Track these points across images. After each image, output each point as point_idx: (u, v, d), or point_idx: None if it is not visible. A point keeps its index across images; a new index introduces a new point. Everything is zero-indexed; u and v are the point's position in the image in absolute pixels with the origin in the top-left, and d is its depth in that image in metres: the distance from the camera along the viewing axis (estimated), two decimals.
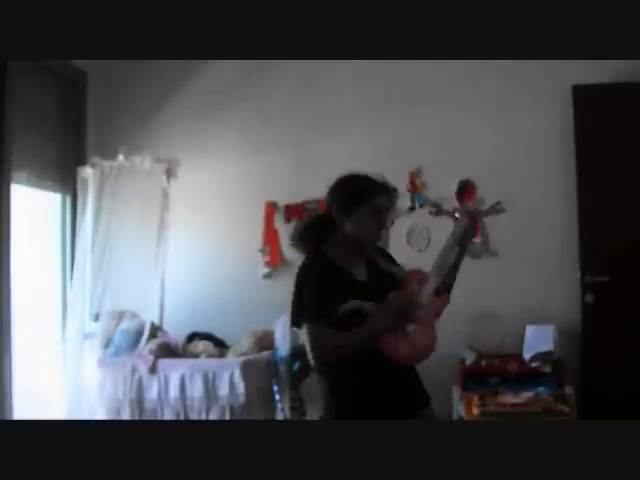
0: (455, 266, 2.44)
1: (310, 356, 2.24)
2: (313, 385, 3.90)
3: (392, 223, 2.50)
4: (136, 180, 4.16)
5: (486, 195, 4.23)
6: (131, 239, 4.18)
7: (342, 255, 2.36)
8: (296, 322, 2.33)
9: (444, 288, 2.40)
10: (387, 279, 2.38)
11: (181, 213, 4.35)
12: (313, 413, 3.97)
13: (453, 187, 4.33)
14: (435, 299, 2.35)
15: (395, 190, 2.61)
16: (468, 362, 3.98)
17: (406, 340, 2.26)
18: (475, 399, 3.69)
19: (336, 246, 2.37)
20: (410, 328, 2.27)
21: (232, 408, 3.72)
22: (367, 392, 2.27)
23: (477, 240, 4.30)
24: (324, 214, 2.46)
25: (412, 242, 4.33)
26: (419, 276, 2.38)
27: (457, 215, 2.49)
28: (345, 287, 2.28)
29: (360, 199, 2.35)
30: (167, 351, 3.94)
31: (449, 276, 2.43)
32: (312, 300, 2.26)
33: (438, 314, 2.38)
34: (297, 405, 3.89)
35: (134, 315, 4.18)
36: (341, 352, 2.23)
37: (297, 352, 3.87)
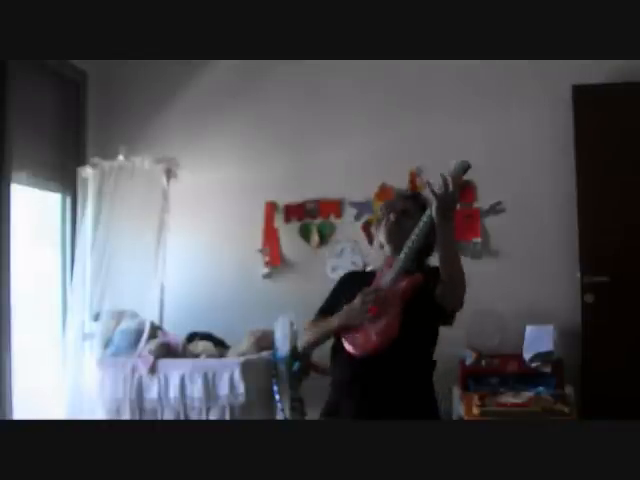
0: (443, 242, 2.21)
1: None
2: (313, 385, 3.92)
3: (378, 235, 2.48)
4: (136, 180, 4.15)
5: (486, 195, 4.33)
6: (131, 239, 4.17)
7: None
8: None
9: (418, 265, 2.37)
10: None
11: (181, 213, 4.34)
12: (313, 413, 3.98)
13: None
14: (405, 279, 2.31)
15: (401, 202, 2.55)
16: (468, 362, 3.98)
17: (360, 332, 2.32)
18: (475, 399, 3.69)
19: None
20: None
21: (232, 408, 3.72)
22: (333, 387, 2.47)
23: (477, 240, 4.31)
24: None
25: None
26: (389, 261, 2.39)
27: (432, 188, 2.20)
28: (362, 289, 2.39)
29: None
30: (167, 351, 3.94)
31: (441, 251, 2.24)
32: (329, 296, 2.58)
33: (407, 293, 2.31)
34: (297, 405, 3.89)
35: (134, 315, 4.18)
36: (310, 340, 2.53)
37: (297, 352, 3.87)
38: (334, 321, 2.38)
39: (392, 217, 2.45)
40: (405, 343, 2.27)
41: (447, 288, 2.24)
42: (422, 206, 2.44)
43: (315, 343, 2.51)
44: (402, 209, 2.47)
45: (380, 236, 2.48)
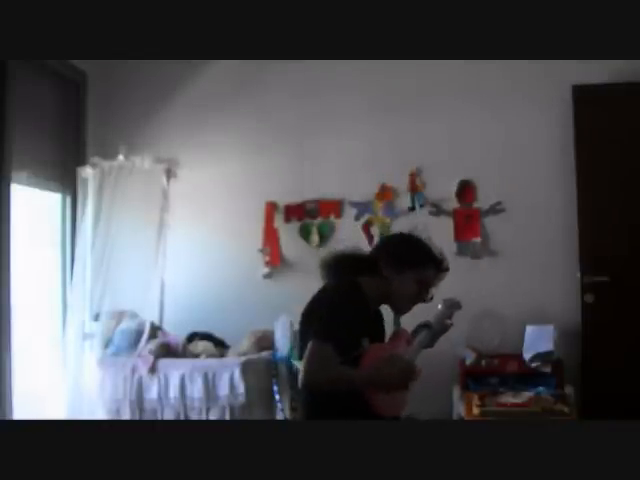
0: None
1: (307, 374, 2.13)
2: None
3: (431, 299, 2.47)
4: (136, 180, 4.16)
5: (486, 195, 4.33)
6: (131, 239, 4.18)
7: (370, 297, 2.39)
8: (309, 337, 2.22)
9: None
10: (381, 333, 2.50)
11: (181, 213, 4.35)
12: None
13: (453, 187, 4.33)
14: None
15: (447, 269, 2.57)
16: (468, 362, 3.98)
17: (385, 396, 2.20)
18: (475, 399, 3.70)
19: (370, 287, 2.38)
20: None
21: (232, 408, 3.72)
22: None
23: (477, 240, 4.31)
24: (366, 256, 2.52)
25: None
26: (407, 337, 2.44)
27: (440, 306, 2.50)
28: (365, 324, 2.32)
29: (415, 263, 2.45)
30: (167, 351, 3.94)
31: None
32: (341, 321, 2.20)
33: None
34: (297, 405, 3.89)
35: (134, 315, 4.18)
36: (333, 388, 2.16)
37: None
38: (361, 380, 2.14)
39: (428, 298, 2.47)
40: None
41: None
42: None
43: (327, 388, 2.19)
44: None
45: (407, 298, 2.44)
